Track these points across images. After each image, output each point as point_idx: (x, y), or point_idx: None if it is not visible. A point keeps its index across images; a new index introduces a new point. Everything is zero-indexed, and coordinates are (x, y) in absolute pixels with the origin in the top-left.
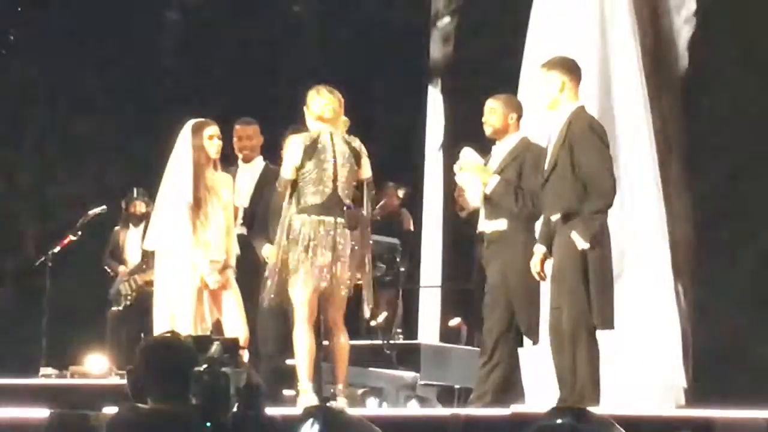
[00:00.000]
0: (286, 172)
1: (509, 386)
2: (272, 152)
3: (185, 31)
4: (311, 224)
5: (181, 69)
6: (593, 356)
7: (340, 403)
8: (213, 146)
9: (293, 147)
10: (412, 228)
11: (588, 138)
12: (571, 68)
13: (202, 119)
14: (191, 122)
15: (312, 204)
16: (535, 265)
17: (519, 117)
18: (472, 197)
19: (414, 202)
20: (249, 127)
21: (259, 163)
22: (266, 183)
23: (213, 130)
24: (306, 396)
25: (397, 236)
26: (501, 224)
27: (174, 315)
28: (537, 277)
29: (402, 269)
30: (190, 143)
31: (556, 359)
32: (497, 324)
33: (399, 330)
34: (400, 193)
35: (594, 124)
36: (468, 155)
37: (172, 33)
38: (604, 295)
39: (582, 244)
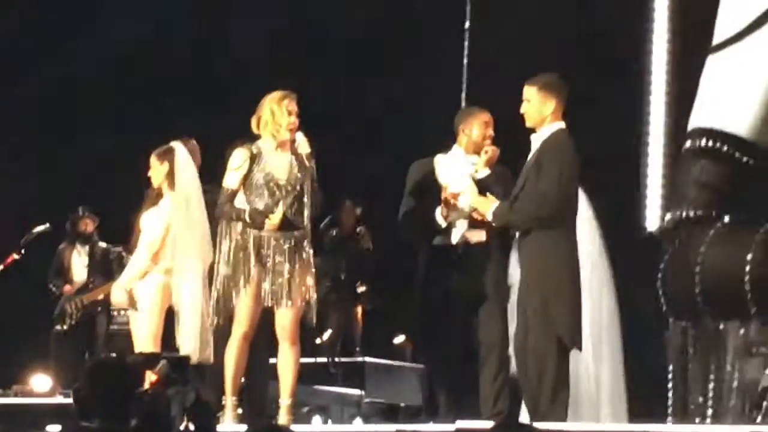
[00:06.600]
0: None
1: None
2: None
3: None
4: None
5: (125, 84)
6: (560, 376)
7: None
8: None
9: None
10: (371, 247)
11: (553, 161)
12: (561, 90)
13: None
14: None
15: None
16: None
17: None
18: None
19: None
20: (189, 143)
21: None
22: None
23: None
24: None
25: (355, 256)
26: None
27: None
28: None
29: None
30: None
31: (523, 379)
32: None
33: (357, 348)
34: (357, 210)
35: (568, 149)
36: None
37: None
38: (573, 314)
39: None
